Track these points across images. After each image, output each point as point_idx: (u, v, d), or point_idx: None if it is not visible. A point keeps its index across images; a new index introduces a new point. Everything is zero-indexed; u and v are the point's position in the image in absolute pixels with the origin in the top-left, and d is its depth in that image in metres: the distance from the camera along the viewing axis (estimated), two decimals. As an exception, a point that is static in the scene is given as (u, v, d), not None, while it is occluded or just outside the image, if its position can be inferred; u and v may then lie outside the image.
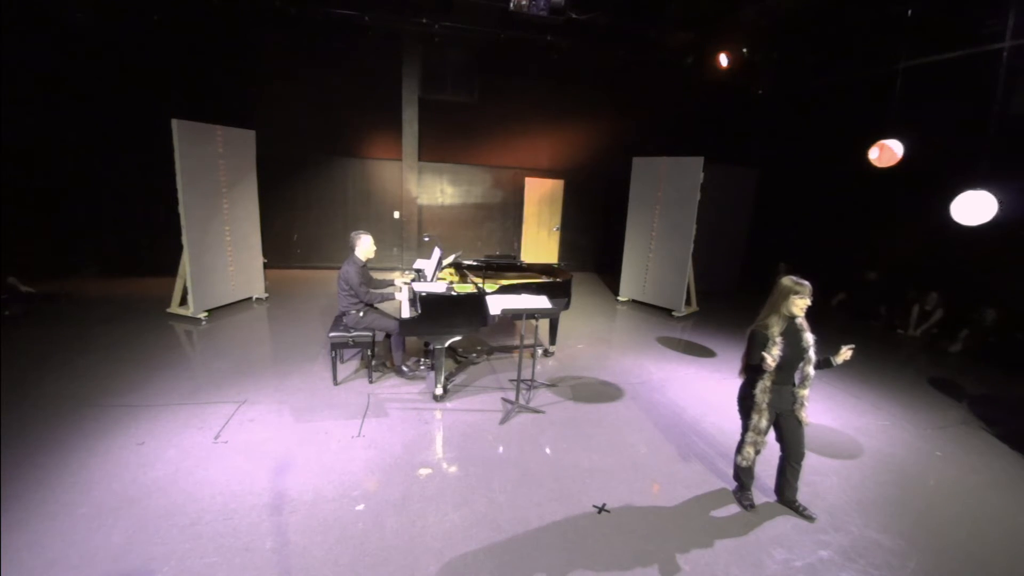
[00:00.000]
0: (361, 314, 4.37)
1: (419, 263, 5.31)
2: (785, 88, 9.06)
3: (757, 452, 2.94)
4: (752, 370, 2.85)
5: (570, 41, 8.37)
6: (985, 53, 5.74)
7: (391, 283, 4.77)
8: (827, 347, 2.91)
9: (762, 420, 2.87)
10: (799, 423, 2.93)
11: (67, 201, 7.87)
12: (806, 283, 2.73)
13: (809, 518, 3.04)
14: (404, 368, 4.78)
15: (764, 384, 2.82)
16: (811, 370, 2.83)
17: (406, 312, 4.33)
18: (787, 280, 2.76)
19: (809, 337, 2.81)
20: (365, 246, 4.38)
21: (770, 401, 2.83)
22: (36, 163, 7.54)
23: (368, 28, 7.94)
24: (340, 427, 3.77)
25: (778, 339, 2.74)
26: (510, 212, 10.20)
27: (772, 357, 2.68)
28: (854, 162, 6.56)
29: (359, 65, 8.72)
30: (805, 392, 2.88)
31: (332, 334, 4.33)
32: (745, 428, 2.96)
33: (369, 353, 4.61)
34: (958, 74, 6.39)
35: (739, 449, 3.01)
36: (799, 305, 2.72)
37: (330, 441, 3.58)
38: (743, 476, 3.11)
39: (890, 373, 5.62)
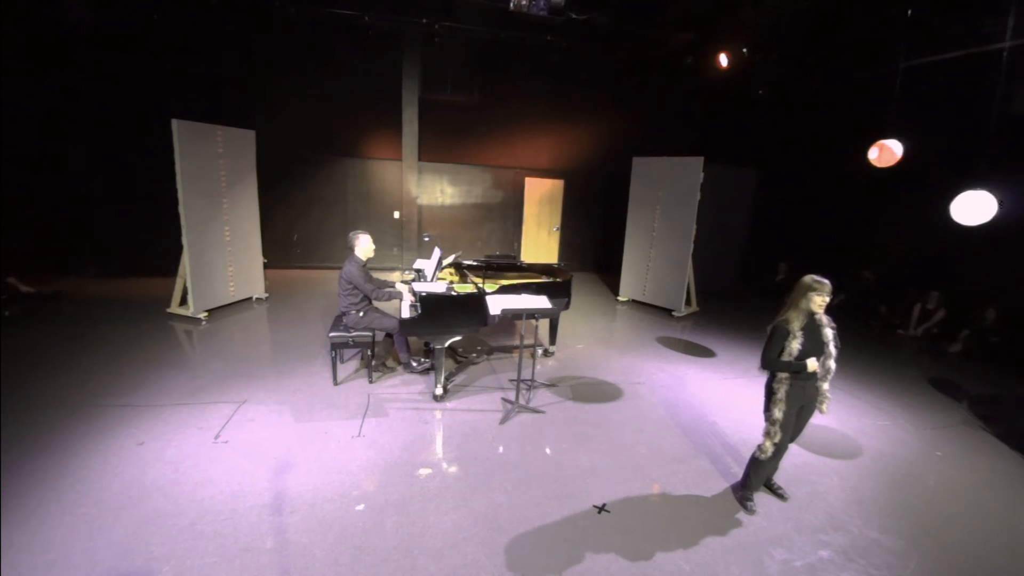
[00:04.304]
0: (361, 314, 4.37)
1: (419, 263, 5.31)
2: (785, 88, 9.06)
3: (775, 446, 2.93)
4: (769, 363, 2.89)
5: (570, 41, 8.37)
6: (985, 53, 5.74)
7: (392, 284, 4.78)
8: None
9: (777, 411, 2.89)
10: (808, 417, 3.04)
11: (67, 201, 7.87)
12: (826, 281, 2.82)
13: (782, 497, 3.21)
14: (413, 363, 4.79)
15: (780, 376, 2.88)
16: (832, 364, 2.90)
17: (406, 312, 4.33)
18: (808, 278, 2.85)
19: (829, 332, 2.89)
20: (364, 246, 4.38)
21: (788, 393, 2.87)
22: (36, 163, 7.54)
23: (368, 28, 7.94)
24: (340, 427, 3.77)
25: (798, 334, 2.80)
26: (510, 212, 10.20)
27: (791, 351, 2.80)
28: (854, 162, 6.56)
29: (359, 65, 8.72)
30: (826, 385, 2.95)
31: (332, 334, 4.33)
32: (766, 420, 3.01)
33: (369, 353, 4.61)
34: (958, 74, 6.39)
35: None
36: (817, 301, 2.80)
37: (330, 441, 3.58)
38: (753, 474, 3.10)
39: (890, 373, 5.62)
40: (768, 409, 2.97)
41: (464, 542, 2.69)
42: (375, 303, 4.51)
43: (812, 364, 2.80)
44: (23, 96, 7.04)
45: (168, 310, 6.23)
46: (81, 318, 5.97)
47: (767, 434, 2.95)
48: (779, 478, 3.33)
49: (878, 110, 6.53)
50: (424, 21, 7.95)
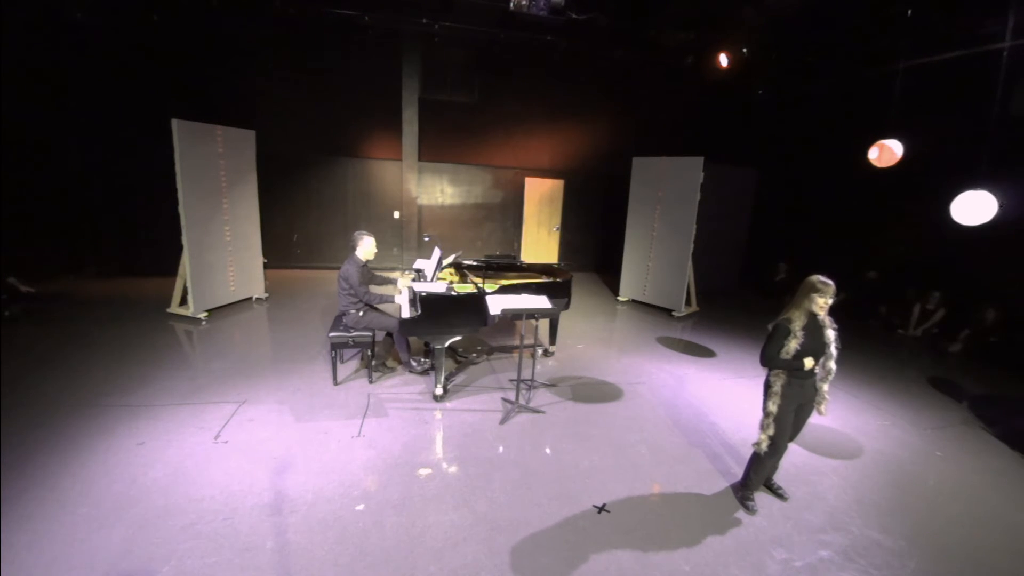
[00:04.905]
0: (361, 313, 4.37)
1: (419, 263, 5.31)
2: (785, 88, 9.07)
3: (771, 439, 2.93)
4: (768, 360, 2.91)
5: (570, 41, 8.37)
6: (985, 53, 5.75)
7: (393, 282, 4.78)
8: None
9: (772, 404, 2.91)
10: (807, 416, 3.05)
11: (67, 201, 7.87)
12: (830, 283, 2.82)
13: (782, 497, 3.22)
14: (413, 363, 4.79)
15: (778, 371, 2.90)
16: (833, 365, 2.91)
17: (406, 312, 4.34)
18: (813, 278, 2.85)
19: (831, 333, 2.90)
20: (367, 247, 4.39)
21: (785, 389, 2.88)
22: (36, 163, 7.54)
23: (368, 28, 7.94)
24: (340, 427, 3.77)
25: (799, 332, 2.81)
26: (510, 212, 10.20)
27: (789, 350, 2.81)
28: (854, 162, 6.57)
29: (359, 65, 8.72)
30: (826, 386, 2.97)
31: (332, 334, 4.33)
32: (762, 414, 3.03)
33: (369, 353, 4.61)
34: (958, 74, 6.40)
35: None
36: (819, 303, 2.81)
37: (330, 441, 3.58)
38: (753, 473, 3.10)
39: (890, 373, 5.63)
40: (764, 403, 2.99)
41: (464, 542, 2.69)
42: (373, 304, 4.51)
43: (809, 362, 2.83)
44: (23, 96, 7.04)
45: (168, 310, 6.23)
46: (81, 318, 5.97)
47: (762, 427, 2.97)
48: (779, 478, 3.33)
49: (878, 110, 6.54)
50: (424, 21, 7.95)
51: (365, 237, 4.39)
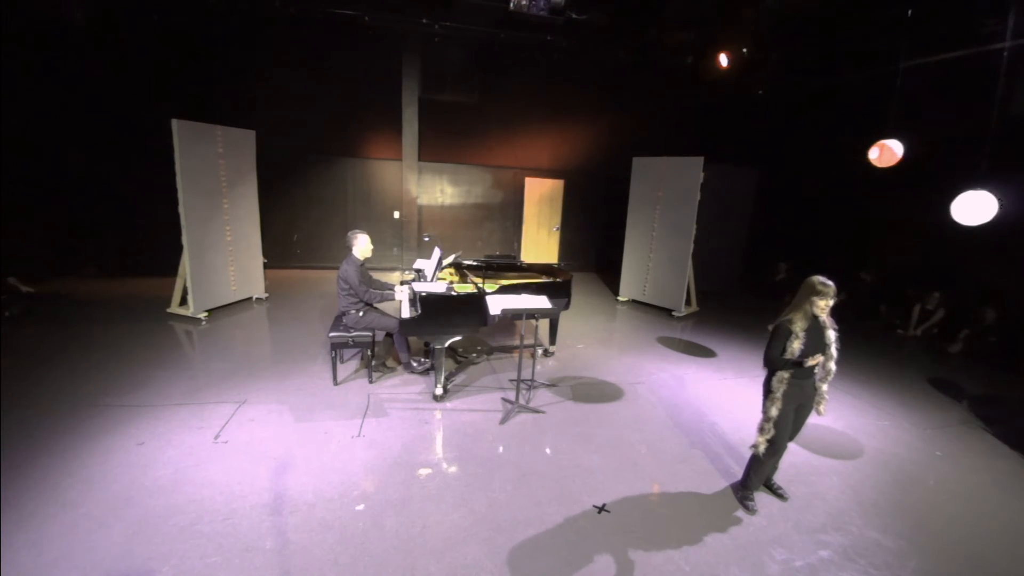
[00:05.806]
0: (361, 314, 4.37)
1: (419, 263, 5.31)
2: (785, 88, 9.06)
3: (769, 442, 2.93)
4: (771, 362, 2.90)
5: (570, 41, 8.37)
6: (985, 53, 5.74)
7: (391, 287, 4.79)
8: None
9: (773, 409, 2.90)
10: (806, 416, 3.04)
11: (67, 201, 7.87)
12: (831, 284, 2.81)
13: (782, 497, 3.22)
14: (413, 363, 4.79)
15: (781, 375, 2.89)
16: (832, 365, 2.91)
17: (406, 312, 4.33)
18: (814, 279, 2.84)
19: (831, 334, 2.89)
20: (362, 245, 4.38)
21: (786, 392, 2.88)
22: (36, 163, 7.54)
23: (368, 28, 7.94)
24: (340, 427, 3.77)
25: (800, 334, 2.81)
26: (510, 212, 10.20)
27: (792, 351, 2.81)
28: (854, 162, 6.56)
29: (359, 65, 8.72)
30: (825, 386, 2.97)
31: (332, 334, 4.33)
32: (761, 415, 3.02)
33: (369, 353, 4.61)
34: (958, 74, 6.39)
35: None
36: (820, 305, 2.80)
37: (330, 441, 3.58)
38: (753, 473, 3.10)
39: (890, 373, 5.63)
40: (764, 405, 2.98)
41: (464, 542, 2.69)
42: (375, 303, 4.51)
43: (816, 358, 2.80)
44: (23, 96, 7.04)
45: (168, 310, 6.23)
46: (81, 318, 5.97)
47: (760, 430, 2.97)
48: (779, 478, 3.33)
49: (878, 110, 6.54)
50: (424, 21, 7.95)
51: (360, 235, 4.38)
